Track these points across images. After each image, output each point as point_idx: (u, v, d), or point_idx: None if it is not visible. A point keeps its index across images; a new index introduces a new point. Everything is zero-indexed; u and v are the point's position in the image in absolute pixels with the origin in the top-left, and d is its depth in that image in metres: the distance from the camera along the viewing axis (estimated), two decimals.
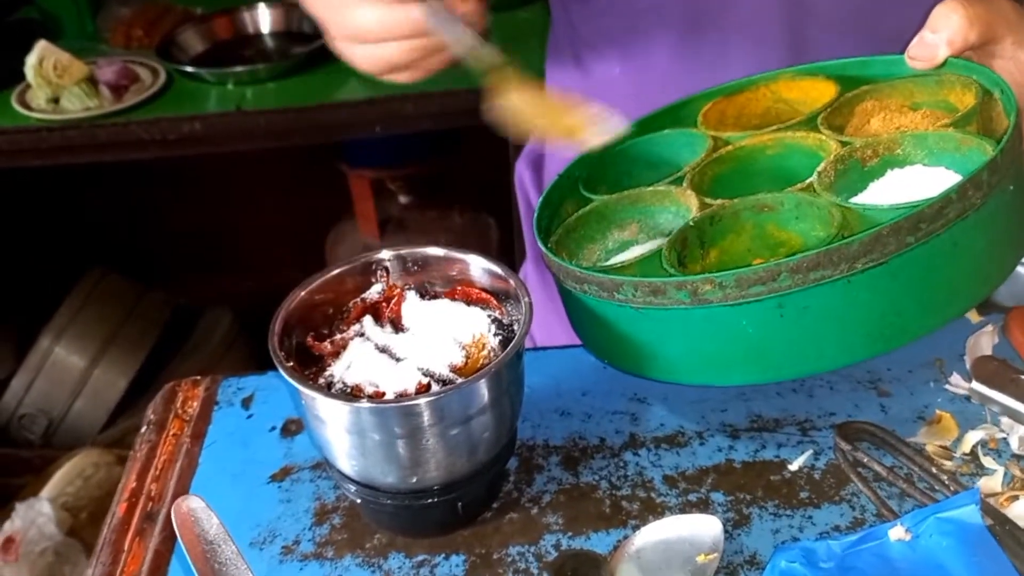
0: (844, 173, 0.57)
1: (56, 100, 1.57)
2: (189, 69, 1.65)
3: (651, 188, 0.63)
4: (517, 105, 0.57)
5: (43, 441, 2.04)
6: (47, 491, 1.74)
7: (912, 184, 0.54)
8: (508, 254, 2.03)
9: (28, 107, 1.57)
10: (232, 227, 2.31)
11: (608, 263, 0.62)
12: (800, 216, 0.56)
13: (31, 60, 1.57)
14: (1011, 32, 0.57)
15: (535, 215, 0.62)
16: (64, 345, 2.07)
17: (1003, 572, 0.49)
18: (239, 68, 1.64)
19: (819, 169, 0.56)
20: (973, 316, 0.70)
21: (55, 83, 1.57)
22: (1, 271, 2.14)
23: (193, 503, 0.44)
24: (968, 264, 0.51)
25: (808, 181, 0.56)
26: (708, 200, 0.58)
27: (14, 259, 2.16)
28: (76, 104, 1.56)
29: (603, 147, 0.65)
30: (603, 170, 0.66)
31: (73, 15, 1.83)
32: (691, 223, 0.57)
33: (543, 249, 0.59)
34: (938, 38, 0.57)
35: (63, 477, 1.79)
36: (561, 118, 0.58)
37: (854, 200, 0.55)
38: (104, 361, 2.08)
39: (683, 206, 0.60)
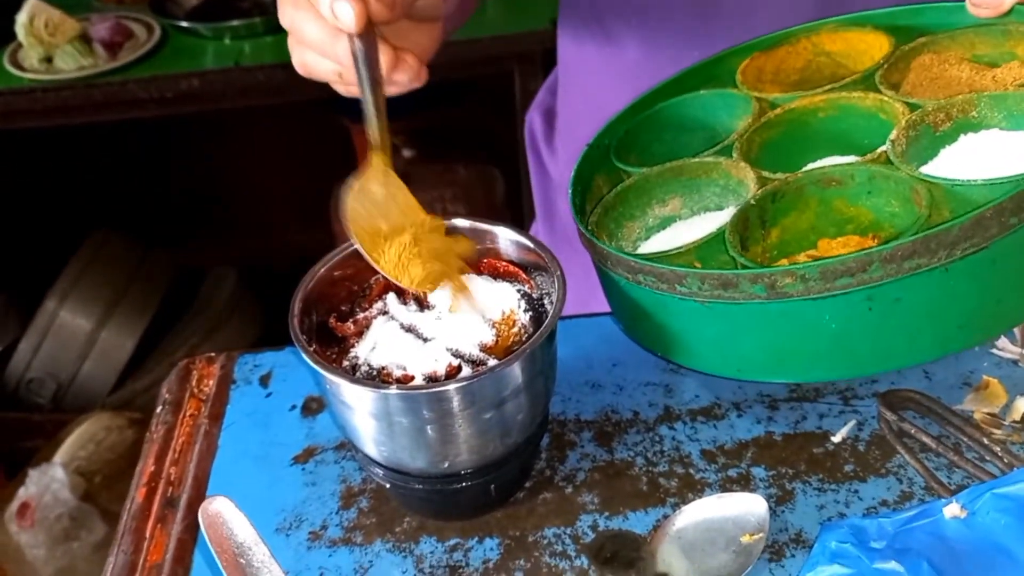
0: (915, 140, 0.52)
1: (49, 59, 1.53)
2: (185, 24, 1.60)
3: (696, 160, 0.58)
4: (371, 195, 0.52)
5: (52, 405, 2.03)
6: (60, 456, 1.74)
7: (989, 151, 0.50)
8: (515, 207, 2.00)
9: (21, 67, 1.53)
10: (235, 186, 2.27)
11: (651, 243, 0.58)
12: (873, 191, 0.51)
13: (22, 18, 1.53)
14: None
15: (569, 194, 0.58)
16: (69, 308, 2.05)
17: None
18: (236, 22, 1.59)
19: (892, 137, 0.51)
20: None
21: (48, 42, 1.52)
22: (3, 235, 2.11)
23: (220, 505, 0.42)
24: None
25: (880, 151, 0.51)
26: (767, 174, 0.53)
27: (16, 223, 2.13)
28: (70, 63, 1.52)
29: (629, 110, 0.61)
30: (634, 136, 0.62)
31: None
32: (752, 202, 0.52)
33: (584, 233, 0.54)
34: None
35: (75, 442, 1.78)
36: (399, 241, 0.51)
37: (925, 169, 0.50)
38: (110, 323, 2.06)
39: (734, 179, 0.56)
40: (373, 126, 0.52)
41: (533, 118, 0.88)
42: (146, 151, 2.14)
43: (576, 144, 0.83)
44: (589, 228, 0.56)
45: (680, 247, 0.52)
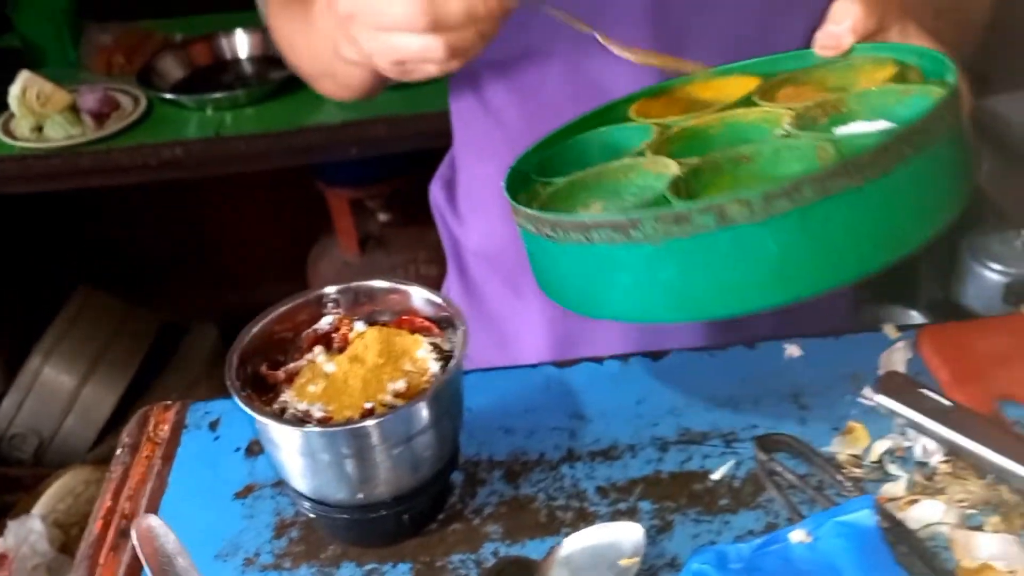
0: (802, 130, 0.60)
1: (40, 128, 1.62)
2: (169, 96, 1.70)
3: (616, 163, 0.64)
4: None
5: (34, 460, 2.08)
6: (38, 508, 1.78)
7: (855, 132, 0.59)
8: None
9: (12, 136, 1.62)
10: (216, 245, 2.36)
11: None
12: (778, 162, 0.59)
13: (14, 91, 1.62)
14: (897, 21, 0.63)
15: (507, 195, 0.62)
16: (54, 364, 2.11)
17: (890, 572, 0.54)
18: (218, 94, 1.69)
19: (786, 123, 0.60)
20: (892, 332, 0.75)
21: (39, 112, 1.62)
22: None
23: (152, 522, 0.49)
24: (946, 174, 0.55)
25: (778, 134, 0.60)
26: (685, 160, 0.60)
27: (3, 280, 2.20)
28: (59, 132, 1.61)
29: (542, 143, 0.69)
30: (547, 166, 0.68)
31: (55, 44, 1.87)
32: (680, 175, 0.58)
33: (530, 212, 0.58)
34: (841, 28, 0.63)
35: (54, 494, 1.83)
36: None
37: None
38: (93, 379, 2.12)
39: (652, 175, 0.62)
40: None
41: (436, 191, 0.97)
42: (131, 211, 2.23)
43: (478, 208, 0.92)
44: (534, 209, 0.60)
45: (625, 207, 0.58)
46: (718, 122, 0.65)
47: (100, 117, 1.63)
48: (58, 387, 2.11)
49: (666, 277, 0.54)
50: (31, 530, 1.74)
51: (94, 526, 0.67)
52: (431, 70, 0.63)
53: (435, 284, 0.79)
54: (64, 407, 2.12)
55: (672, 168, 0.60)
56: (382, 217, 2.09)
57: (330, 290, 0.64)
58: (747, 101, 0.66)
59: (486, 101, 0.85)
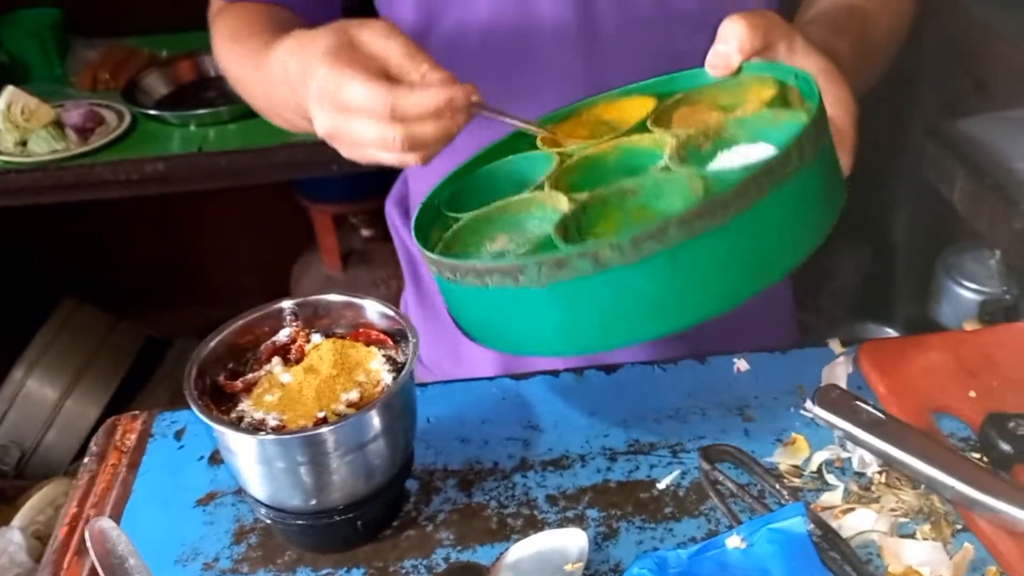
0: (686, 159, 0.63)
1: (24, 143, 1.65)
2: (153, 112, 1.73)
3: (516, 198, 0.67)
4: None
5: (16, 472, 2.09)
6: (18, 520, 1.79)
7: (741, 160, 0.62)
8: None
9: None
10: (200, 260, 2.38)
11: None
12: (659, 195, 0.62)
13: None
14: (783, 38, 0.66)
15: (416, 240, 0.65)
16: (37, 377, 2.12)
17: None
18: (201, 110, 1.72)
19: (667, 154, 0.63)
20: (837, 347, 0.78)
21: (23, 127, 1.64)
22: None
23: (104, 524, 0.51)
24: (810, 201, 0.59)
25: (661, 164, 0.63)
26: (575, 195, 0.63)
27: None
28: (43, 147, 1.64)
29: (454, 175, 0.72)
30: (458, 197, 0.71)
31: (41, 59, 1.90)
32: (569, 213, 0.61)
33: (432, 257, 0.61)
34: (729, 48, 0.66)
35: (34, 506, 1.84)
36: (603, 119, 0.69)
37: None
38: (76, 392, 2.14)
39: (549, 208, 0.65)
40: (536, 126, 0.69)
41: (390, 209, 1.01)
42: (115, 225, 2.25)
43: None
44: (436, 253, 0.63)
45: (516, 253, 0.61)
46: (615, 148, 0.69)
47: (84, 132, 1.66)
48: (41, 399, 2.12)
49: (554, 316, 0.58)
50: (10, 541, 1.75)
51: (59, 532, 0.69)
52: (387, 159, 0.65)
53: None
54: (46, 420, 2.13)
55: (562, 204, 0.63)
56: (365, 233, 2.12)
57: (288, 303, 0.67)
58: (642, 126, 0.69)
59: None
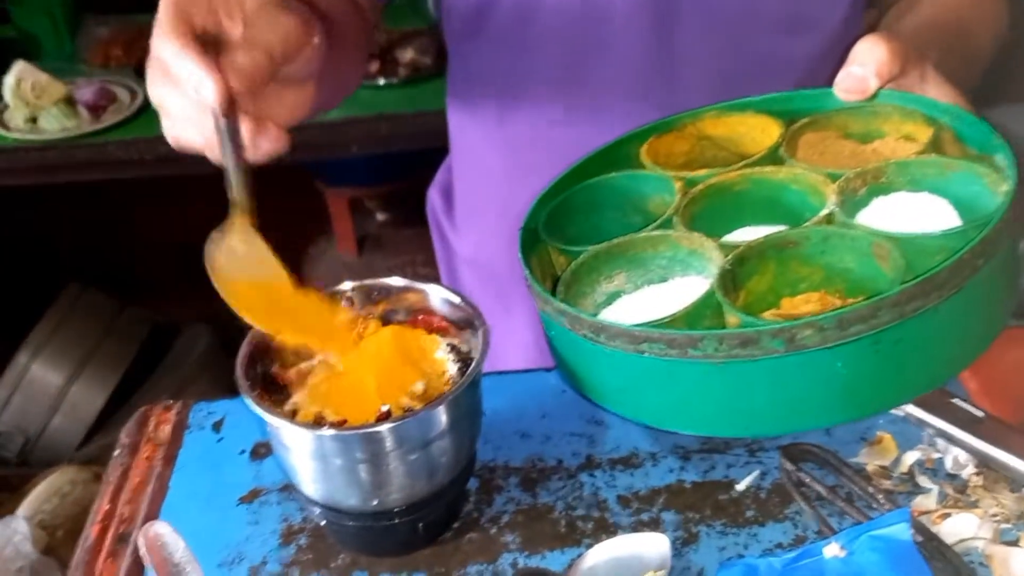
0: (844, 205, 0.57)
1: (34, 120, 1.59)
2: None
3: (643, 234, 0.60)
4: (234, 249, 0.57)
5: (19, 459, 2.04)
6: (23, 509, 1.75)
7: (901, 211, 0.56)
8: None
9: (6, 127, 1.59)
10: None
11: (603, 316, 0.59)
12: (827, 250, 0.56)
13: (9, 81, 1.59)
14: (917, 65, 0.60)
15: (527, 277, 0.58)
16: (41, 362, 2.07)
17: None
18: None
19: (833, 202, 0.56)
20: None
21: (33, 104, 1.59)
22: None
23: (160, 528, 0.46)
24: (1012, 272, 0.53)
25: (823, 214, 0.56)
26: (728, 241, 0.57)
27: None
28: (54, 124, 1.59)
29: (548, 193, 0.64)
30: (555, 219, 0.64)
31: (52, 35, 1.85)
32: (727, 266, 0.54)
33: (579, 315, 0.53)
34: (866, 71, 0.60)
35: (39, 495, 1.79)
36: (268, 293, 0.56)
37: None
38: (82, 378, 2.09)
39: (683, 250, 0.59)
40: (236, 188, 0.56)
41: (433, 196, 0.96)
42: (124, 208, 2.20)
43: (473, 216, 0.90)
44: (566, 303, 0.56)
45: (670, 315, 0.53)
46: (743, 179, 0.62)
47: (96, 110, 1.61)
48: (45, 385, 2.07)
49: (723, 394, 0.52)
50: (15, 531, 1.71)
51: (91, 530, 0.64)
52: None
53: None
54: (51, 406, 2.08)
55: (711, 249, 0.56)
56: (381, 218, 2.07)
57: (344, 287, 0.62)
58: (774, 154, 0.62)
59: (482, 112, 0.83)
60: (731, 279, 0.55)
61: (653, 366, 0.51)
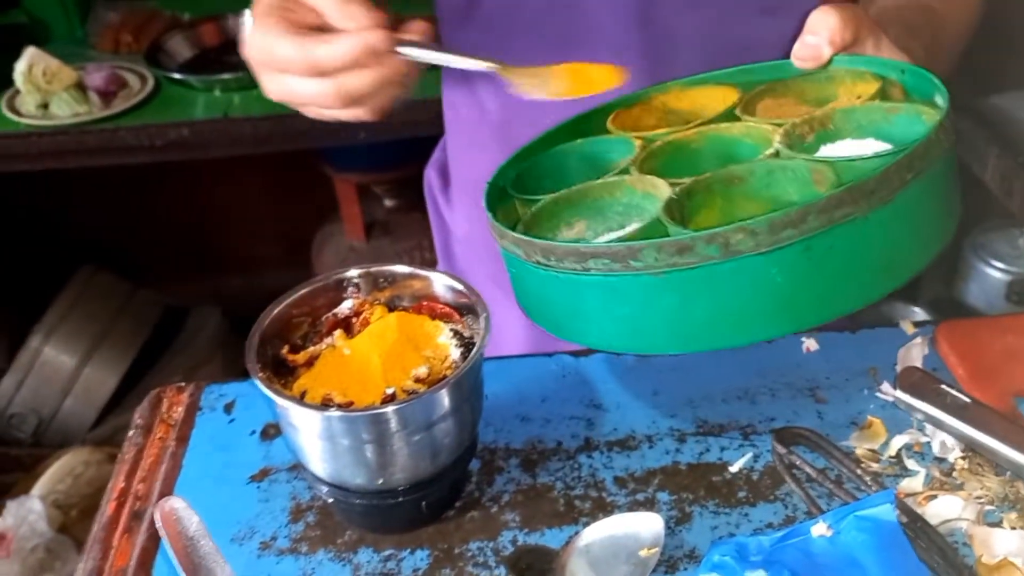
0: (792, 148, 0.59)
1: (45, 106, 1.61)
2: (177, 76, 1.69)
3: (600, 181, 0.63)
4: (531, 82, 0.62)
5: (33, 440, 2.08)
6: (38, 489, 1.78)
7: (849, 154, 0.58)
8: None
9: (18, 112, 1.60)
10: (221, 228, 2.35)
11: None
12: (771, 183, 0.58)
13: (20, 66, 1.61)
14: (871, 34, 0.63)
15: (490, 217, 0.61)
16: (54, 344, 2.10)
17: (911, 567, 0.54)
18: (226, 75, 1.68)
19: (776, 141, 0.59)
20: (908, 328, 0.75)
21: (44, 89, 1.60)
22: None
23: (175, 503, 0.49)
24: (942, 199, 0.55)
25: (768, 153, 0.59)
26: (675, 180, 0.59)
27: (5, 258, 2.19)
28: (65, 110, 1.60)
29: (519, 154, 0.68)
30: (523, 181, 0.66)
31: (62, 20, 1.86)
32: (674, 195, 0.57)
33: (517, 238, 0.56)
34: (820, 39, 0.62)
35: (54, 475, 1.82)
36: (568, 78, 0.62)
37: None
38: (94, 360, 2.12)
39: (638, 194, 0.61)
40: (475, 59, 0.61)
41: (430, 174, 0.98)
42: (135, 191, 2.22)
43: (467, 192, 0.92)
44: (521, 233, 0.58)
45: (622, 235, 0.56)
46: (700, 136, 0.64)
47: (107, 95, 1.62)
48: (58, 367, 2.10)
49: (665, 307, 0.53)
50: (30, 510, 1.74)
51: (107, 507, 0.67)
52: (339, 115, 0.62)
53: None
54: (64, 387, 2.11)
55: (663, 189, 0.58)
56: (388, 203, 2.09)
57: (351, 273, 0.64)
58: (729, 115, 0.65)
59: (473, 88, 0.85)
60: (679, 212, 0.56)
61: (600, 285, 0.53)
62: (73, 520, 1.77)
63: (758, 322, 0.53)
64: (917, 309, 1.76)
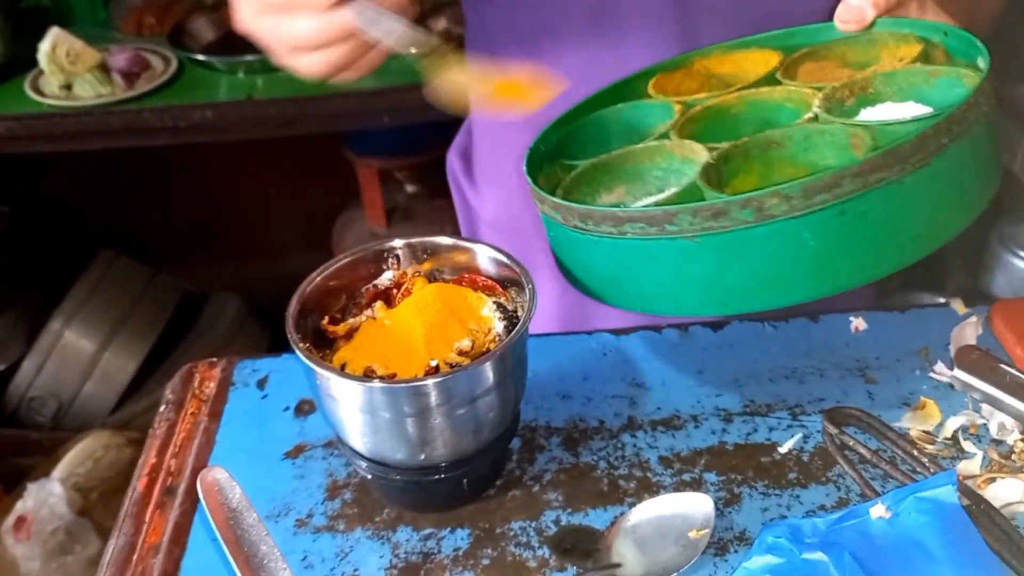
0: (829, 112, 0.58)
1: (69, 87, 1.60)
2: (200, 57, 1.68)
3: (641, 145, 0.62)
4: (457, 81, 0.59)
5: (52, 424, 2.08)
6: (58, 472, 1.78)
7: (890, 118, 0.57)
8: None
9: (41, 93, 1.59)
10: (241, 213, 2.34)
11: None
12: (809, 147, 0.57)
13: (44, 47, 1.60)
14: None
15: (528, 179, 0.60)
16: (74, 328, 2.10)
17: (976, 550, 0.52)
18: (250, 57, 1.66)
19: (816, 105, 0.58)
20: (959, 307, 0.73)
21: (68, 70, 1.59)
22: (13, 254, 2.17)
23: (218, 474, 0.47)
24: (981, 163, 0.54)
25: (807, 117, 0.58)
26: (713, 145, 0.58)
27: (26, 242, 2.19)
28: (89, 91, 1.59)
29: (560, 121, 0.66)
30: (565, 146, 0.66)
31: (85, 2, 1.85)
32: (711, 160, 0.57)
33: (555, 202, 0.56)
34: (863, 2, 0.61)
35: (74, 458, 1.82)
36: (502, 85, 0.59)
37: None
38: (114, 344, 2.11)
39: (677, 159, 0.61)
40: (415, 39, 0.58)
41: (452, 159, 0.96)
42: (156, 177, 2.21)
43: (493, 174, 0.90)
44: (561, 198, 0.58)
45: (659, 200, 0.56)
46: (740, 101, 0.64)
47: (130, 77, 1.61)
48: (78, 351, 2.10)
49: (700, 271, 0.53)
50: (51, 493, 1.74)
51: (138, 483, 0.65)
52: (315, 67, 0.61)
53: None
54: (84, 371, 2.11)
55: (701, 154, 0.58)
56: (410, 189, 2.07)
57: (393, 244, 0.62)
58: (770, 79, 0.64)
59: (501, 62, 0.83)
60: (716, 175, 0.56)
61: (636, 249, 0.54)
62: (93, 503, 1.76)
63: (791, 285, 0.53)
64: (942, 300, 1.73)
